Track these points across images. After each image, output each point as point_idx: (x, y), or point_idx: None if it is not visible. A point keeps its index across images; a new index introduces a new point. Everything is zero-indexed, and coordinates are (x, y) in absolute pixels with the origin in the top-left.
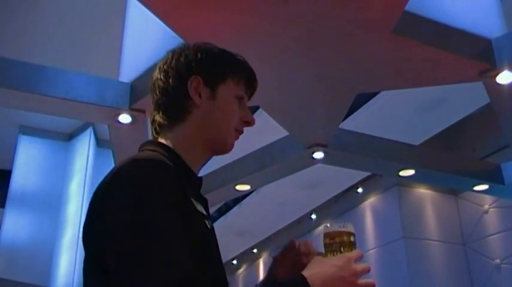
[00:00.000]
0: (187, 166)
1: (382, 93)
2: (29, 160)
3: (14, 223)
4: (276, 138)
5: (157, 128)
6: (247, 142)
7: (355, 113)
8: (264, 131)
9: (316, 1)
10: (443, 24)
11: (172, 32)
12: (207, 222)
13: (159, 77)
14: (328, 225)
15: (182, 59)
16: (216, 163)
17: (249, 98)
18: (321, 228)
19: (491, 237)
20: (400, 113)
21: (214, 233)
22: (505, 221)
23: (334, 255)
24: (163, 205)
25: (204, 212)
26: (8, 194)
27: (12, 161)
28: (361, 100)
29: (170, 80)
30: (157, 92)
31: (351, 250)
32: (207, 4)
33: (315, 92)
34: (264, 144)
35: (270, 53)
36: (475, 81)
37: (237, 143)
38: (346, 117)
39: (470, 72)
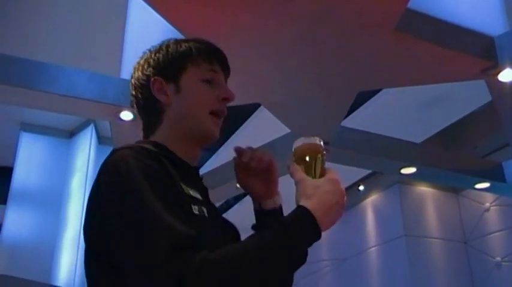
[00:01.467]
0: (175, 154)
1: (384, 91)
2: (30, 157)
3: (16, 220)
4: (277, 136)
5: (145, 132)
6: (249, 140)
7: (357, 111)
8: (265, 128)
9: (317, 0)
10: (445, 22)
11: (173, 28)
12: (197, 207)
13: (131, 92)
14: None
15: (141, 68)
16: (217, 160)
17: (224, 72)
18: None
19: (492, 235)
20: (402, 111)
21: (215, 223)
22: (506, 219)
23: (309, 171)
24: (144, 184)
25: (200, 197)
26: (10, 191)
27: (13, 158)
28: (362, 98)
29: (138, 93)
30: (135, 106)
31: (323, 163)
32: (208, 1)
33: (316, 90)
34: (265, 142)
35: (271, 51)
36: (477, 79)
37: (238, 141)
38: (347, 115)
39: (472, 70)
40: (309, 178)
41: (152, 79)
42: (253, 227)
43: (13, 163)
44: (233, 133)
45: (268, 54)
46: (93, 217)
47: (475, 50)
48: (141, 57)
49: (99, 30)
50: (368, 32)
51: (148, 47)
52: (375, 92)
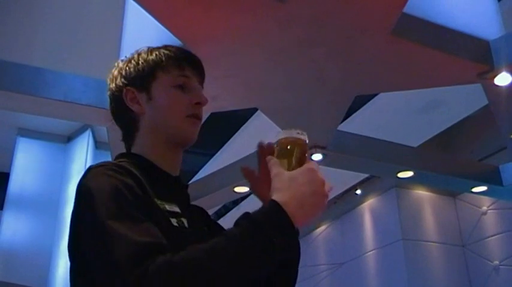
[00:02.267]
0: (157, 166)
1: (381, 95)
2: (27, 162)
3: (12, 225)
4: (274, 141)
5: (123, 140)
6: (246, 144)
7: (354, 115)
8: (262, 133)
9: (314, 3)
10: (441, 26)
11: (169, 33)
12: (175, 220)
13: (109, 104)
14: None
15: (114, 82)
16: (214, 164)
17: (196, 76)
18: (318, 230)
19: (489, 239)
20: (399, 115)
21: (197, 233)
22: (504, 222)
23: (293, 166)
24: (112, 201)
25: (177, 210)
26: (6, 196)
27: (10, 163)
28: (359, 102)
29: (112, 104)
30: (113, 117)
31: (304, 156)
32: (204, 5)
33: (313, 94)
34: None
35: (268, 54)
36: (473, 83)
37: (235, 145)
38: (344, 119)
39: (468, 74)
40: (285, 172)
41: (124, 90)
42: None
43: (10, 168)
44: (230, 138)
45: (264, 58)
46: (71, 235)
47: (471, 54)
48: (115, 68)
49: (95, 35)
50: (364, 36)
51: None
52: (371, 96)
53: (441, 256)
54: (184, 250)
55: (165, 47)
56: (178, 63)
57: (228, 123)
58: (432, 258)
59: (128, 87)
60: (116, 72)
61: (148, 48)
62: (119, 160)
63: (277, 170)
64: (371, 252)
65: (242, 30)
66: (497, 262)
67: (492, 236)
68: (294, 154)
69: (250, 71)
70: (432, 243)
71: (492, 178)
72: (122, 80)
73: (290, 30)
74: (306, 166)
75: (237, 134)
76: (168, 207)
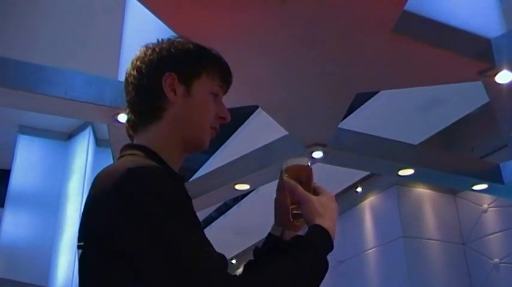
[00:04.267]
0: (169, 166)
1: (382, 92)
2: (28, 160)
3: (13, 222)
4: (275, 138)
5: (132, 127)
6: (247, 141)
7: (354, 113)
8: (263, 130)
9: (314, 1)
10: (442, 23)
11: (171, 31)
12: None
13: (132, 73)
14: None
15: (156, 55)
16: (215, 162)
17: (224, 93)
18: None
19: (490, 236)
20: (400, 113)
21: None
22: (504, 220)
23: (309, 190)
24: (177, 210)
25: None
26: (7, 193)
27: (11, 160)
28: (360, 100)
29: (144, 77)
30: (131, 89)
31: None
32: (205, 3)
33: (314, 92)
34: (264, 143)
35: (269, 52)
36: (475, 81)
37: (236, 142)
38: (345, 117)
39: (469, 72)
40: (314, 197)
41: (167, 73)
42: (256, 250)
43: (11, 166)
44: (231, 135)
45: (265, 56)
46: (114, 235)
47: (472, 51)
48: (156, 44)
49: (96, 32)
50: (366, 33)
51: None
52: (372, 94)
53: (441, 254)
54: (257, 274)
55: (214, 51)
56: (223, 74)
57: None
58: (432, 256)
59: (171, 72)
60: (158, 48)
61: (194, 43)
62: (135, 153)
63: (306, 195)
64: (371, 250)
65: (243, 28)
66: (497, 260)
67: (492, 234)
68: (308, 181)
69: (251, 68)
70: (433, 241)
71: (493, 176)
72: (166, 61)
73: (291, 28)
74: (328, 194)
75: (238, 131)
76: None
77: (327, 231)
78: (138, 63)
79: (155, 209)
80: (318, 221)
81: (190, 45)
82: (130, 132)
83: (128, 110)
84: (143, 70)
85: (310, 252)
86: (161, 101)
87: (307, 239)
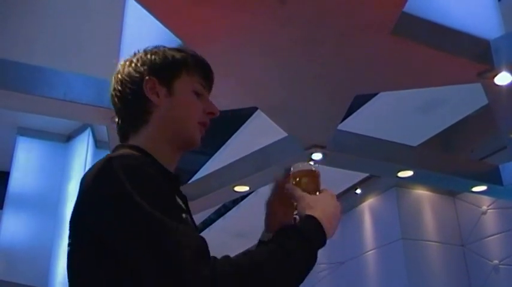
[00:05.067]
0: (160, 163)
1: (381, 94)
2: (27, 162)
3: (12, 224)
4: (274, 140)
5: (124, 135)
6: (246, 143)
7: (354, 115)
8: (262, 132)
9: (314, 2)
10: (442, 25)
11: (170, 32)
12: (185, 215)
13: (115, 86)
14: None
15: (133, 65)
16: (214, 164)
17: (209, 89)
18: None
19: (489, 238)
20: (399, 114)
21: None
22: (503, 222)
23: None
24: (157, 194)
25: (183, 205)
26: (6, 195)
27: (10, 162)
28: (359, 101)
29: (126, 88)
30: (117, 102)
31: (319, 184)
32: (204, 4)
33: (313, 93)
34: (263, 145)
35: (268, 53)
36: (474, 83)
37: (236, 144)
38: (344, 119)
39: (468, 74)
40: (309, 195)
41: (146, 78)
42: None
43: (10, 167)
44: (230, 137)
45: (264, 57)
46: (92, 226)
47: (471, 53)
48: (133, 56)
49: (95, 34)
50: (365, 35)
51: None
52: (371, 96)
53: (441, 256)
54: (242, 256)
55: (191, 51)
56: (203, 72)
57: (228, 123)
58: (432, 257)
59: (150, 77)
60: (134, 59)
61: (172, 47)
62: (124, 152)
63: (301, 193)
64: (371, 251)
65: (242, 29)
66: (496, 262)
67: (492, 235)
68: (310, 184)
69: (250, 70)
70: (432, 242)
71: (492, 178)
72: (145, 67)
73: (290, 29)
74: (326, 192)
75: (237, 133)
76: (180, 202)
77: (318, 221)
78: (119, 76)
79: (132, 197)
80: (309, 212)
81: (166, 49)
82: (124, 141)
83: (117, 121)
84: (123, 81)
85: (299, 239)
86: (146, 105)
87: (295, 226)
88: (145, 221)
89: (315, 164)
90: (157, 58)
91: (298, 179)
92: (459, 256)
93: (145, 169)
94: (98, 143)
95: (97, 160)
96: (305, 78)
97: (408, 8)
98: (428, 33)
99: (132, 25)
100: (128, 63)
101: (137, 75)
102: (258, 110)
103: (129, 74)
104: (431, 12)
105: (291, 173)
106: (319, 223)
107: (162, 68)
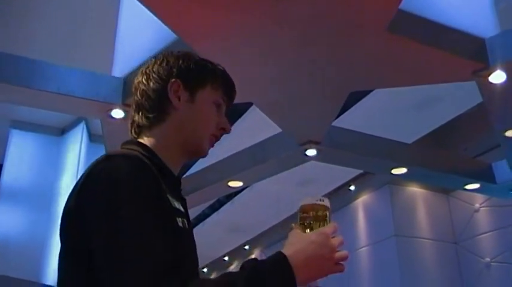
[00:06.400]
0: (165, 164)
1: (376, 91)
2: (20, 155)
3: (5, 217)
4: (269, 135)
5: (136, 128)
6: (241, 139)
7: (348, 111)
8: (257, 128)
9: (311, 0)
10: (437, 23)
11: (166, 27)
12: (180, 219)
13: (140, 79)
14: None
15: (164, 64)
16: (208, 159)
17: (227, 107)
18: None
19: (482, 236)
20: (393, 112)
21: (191, 234)
22: (496, 220)
23: (308, 229)
24: (139, 199)
25: (182, 209)
26: None
27: (3, 155)
28: (354, 98)
29: (151, 83)
30: (138, 94)
31: (326, 224)
32: (202, 2)
33: (308, 90)
34: (257, 141)
35: (264, 50)
36: (469, 81)
37: (230, 139)
38: (339, 115)
39: (463, 72)
40: (300, 232)
41: (172, 80)
42: None
43: (3, 161)
44: None
45: (261, 54)
46: (78, 220)
47: (466, 51)
48: (160, 57)
49: (91, 28)
50: (360, 32)
51: (140, 45)
52: (366, 93)
53: (434, 253)
54: (195, 282)
55: (220, 66)
56: (226, 87)
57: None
58: (425, 254)
59: (177, 79)
60: (163, 61)
61: (201, 57)
62: (131, 148)
63: (293, 231)
64: (364, 248)
65: (239, 27)
66: (488, 259)
67: (484, 233)
68: (311, 220)
69: (247, 66)
70: (425, 239)
71: (485, 176)
72: (174, 69)
73: (286, 27)
74: (319, 230)
75: (231, 128)
76: (176, 205)
77: (285, 258)
78: (146, 71)
79: (116, 200)
80: (284, 249)
81: (197, 58)
82: (134, 134)
83: (133, 113)
84: (151, 76)
85: (250, 274)
86: (166, 105)
87: (256, 262)
88: (125, 230)
89: (322, 198)
90: (188, 64)
91: (301, 216)
92: (452, 253)
93: (143, 173)
94: (92, 137)
95: (91, 153)
96: (300, 74)
97: (404, 5)
98: (424, 31)
99: (128, 20)
100: (158, 61)
101: (165, 74)
102: (253, 106)
103: (157, 71)
104: (427, 10)
105: (299, 205)
106: (286, 262)
107: (191, 74)
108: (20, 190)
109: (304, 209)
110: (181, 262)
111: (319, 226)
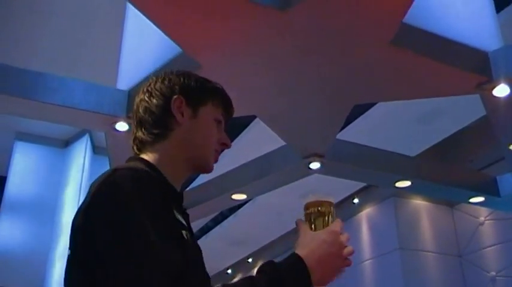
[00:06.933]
0: (167, 180)
1: (379, 104)
2: (24, 166)
3: (9, 229)
4: (272, 148)
5: (138, 145)
6: (244, 151)
7: (352, 124)
8: (261, 140)
9: (313, 12)
10: (441, 36)
11: (170, 40)
12: (185, 232)
13: (142, 97)
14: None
15: (166, 82)
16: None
17: (225, 123)
18: None
19: (486, 249)
20: (397, 124)
21: (198, 246)
22: (501, 233)
23: (313, 225)
24: (145, 213)
25: (184, 222)
26: (3, 200)
27: (7, 167)
28: (358, 111)
29: (154, 100)
30: (141, 111)
31: (330, 218)
32: (204, 13)
33: (312, 103)
34: (261, 154)
35: (267, 63)
36: (472, 94)
37: (234, 152)
38: (343, 128)
39: (467, 85)
40: (310, 231)
41: (176, 96)
42: None
43: (7, 172)
44: None
45: (264, 66)
46: (87, 235)
47: (469, 65)
48: (161, 75)
49: (96, 41)
50: (364, 45)
51: (145, 58)
52: (370, 105)
53: (438, 266)
54: None
55: (220, 86)
56: (226, 106)
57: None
58: (429, 268)
59: (179, 96)
60: (167, 77)
61: (200, 76)
62: (136, 165)
63: (303, 228)
64: (368, 261)
65: (241, 38)
66: (493, 273)
67: (489, 246)
68: (317, 217)
69: (249, 78)
70: (429, 253)
71: (490, 189)
72: (176, 87)
73: (289, 39)
74: (328, 228)
75: (235, 141)
76: (180, 218)
77: (302, 260)
78: (148, 88)
79: (122, 214)
80: (298, 250)
81: (198, 76)
82: (136, 150)
83: (135, 130)
84: (153, 93)
85: (271, 276)
86: (169, 121)
87: (275, 265)
88: (134, 243)
89: (325, 195)
90: (189, 81)
91: (307, 213)
92: (456, 267)
93: (150, 187)
94: (95, 149)
95: (95, 165)
96: (304, 87)
97: (408, 19)
98: (428, 44)
99: (133, 32)
100: (160, 79)
101: (168, 91)
102: (257, 119)
103: (160, 88)
104: (430, 23)
105: (304, 203)
106: (302, 262)
107: (193, 91)
108: (24, 201)
109: (307, 206)
110: (194, 275)
111: (323, 221)
